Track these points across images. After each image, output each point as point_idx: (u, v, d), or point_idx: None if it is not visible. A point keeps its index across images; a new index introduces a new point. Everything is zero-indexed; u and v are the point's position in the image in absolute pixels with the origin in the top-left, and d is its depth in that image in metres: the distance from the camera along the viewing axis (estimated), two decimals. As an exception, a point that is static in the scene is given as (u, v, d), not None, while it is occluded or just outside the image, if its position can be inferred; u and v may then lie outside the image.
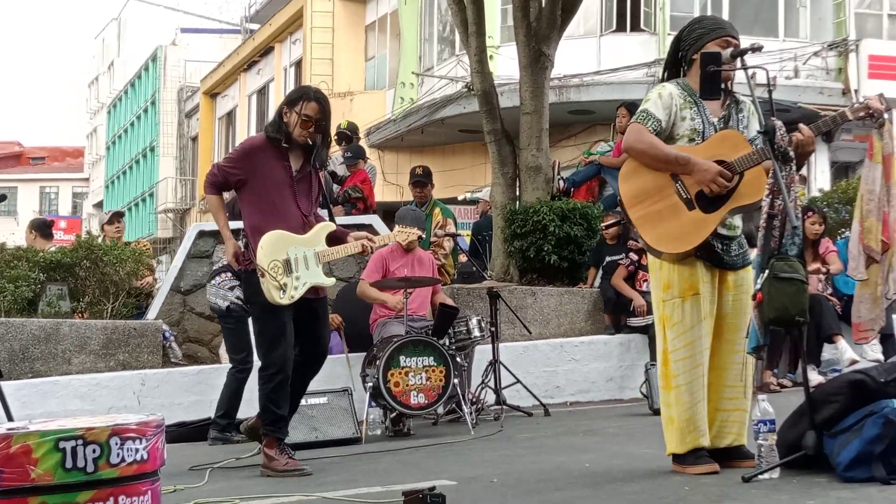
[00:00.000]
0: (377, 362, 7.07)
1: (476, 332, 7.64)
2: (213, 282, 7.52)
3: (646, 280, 8.73)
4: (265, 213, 5.67)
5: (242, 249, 5.71)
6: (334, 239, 5.86)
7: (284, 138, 5.70)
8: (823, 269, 9.13)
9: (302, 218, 5.75)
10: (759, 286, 4.46)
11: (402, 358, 7.06)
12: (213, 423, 7.42)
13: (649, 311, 8.31)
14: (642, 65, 18.83)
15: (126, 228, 10.62)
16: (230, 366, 7.50)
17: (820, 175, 19.56)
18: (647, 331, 8.65)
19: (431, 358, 7.10)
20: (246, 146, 5.84)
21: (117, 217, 10.46)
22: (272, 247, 5.59)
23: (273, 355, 5.62)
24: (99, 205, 54.29)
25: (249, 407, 7.55)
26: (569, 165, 14.04)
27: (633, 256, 9.06)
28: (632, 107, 10.20)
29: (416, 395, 7.06)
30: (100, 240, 9.39)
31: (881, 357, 8.49)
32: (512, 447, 6.26)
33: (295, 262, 5.62)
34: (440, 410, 7.50)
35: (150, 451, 3.44)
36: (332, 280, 5.97)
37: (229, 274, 7.35)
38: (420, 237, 6.77)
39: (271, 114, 30.48)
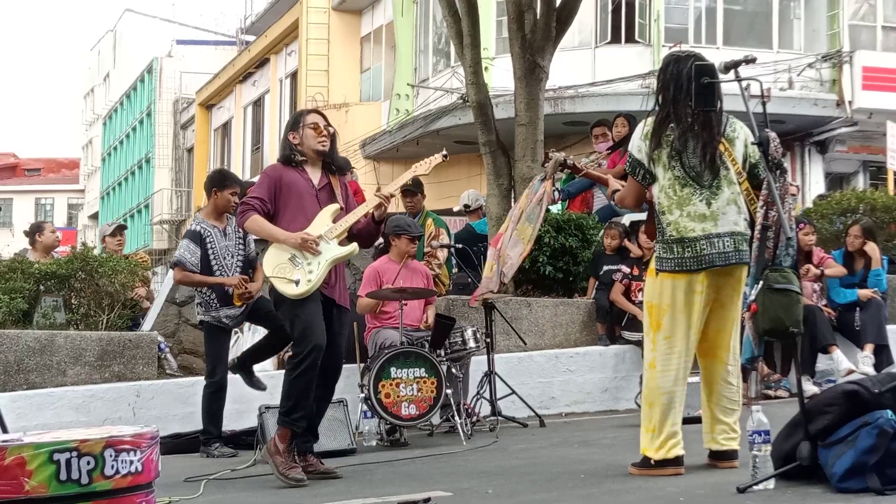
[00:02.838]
0: (369, 373, 7.08)
1: (471, 343, 7.64)
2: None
3: (641, 290, 8.72)
4: (289, 222, 5.76)
5: (302, 238, 5.68)
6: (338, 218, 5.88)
7: (299, 154, 5.88)
8: (817, 272, 9.13)
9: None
10: (753, 297, 4.49)
11: (392, 369, 7.06)
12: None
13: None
14: (637, 76, 18.89)
15: (125, 241, 10.69)
16: None
17: (814, 186, 19.63)
18: (642, 344, 8.62)
19: (423, 369, 7.10)
20: (267, 171, 6.03)
21: (120, 230, 10.52)
22: (273, 257, 5.72)
23: (301, 344, 5.61)
24: (94, 216, 54.25)
25: (238, 419, 7.61)
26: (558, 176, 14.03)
27: (626, 269, 9.06)
28: (629, 117, 10.19)
29: (408, 406, 7.05)
30: (96, 251, 9.38)
31: (871, 370, 8.48)
32: (507, 458, 6.26)
33: (300, 253, 5.67)
34: (434, 421, 7.50)
35: (145, 462, 3.44)
36: (353, 247, 5.81)
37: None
38: (445, 158, 6.33)
39: (267, 125, 30.44)
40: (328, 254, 5.72)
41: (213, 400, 7.39)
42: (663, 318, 4.96)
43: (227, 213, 7.52)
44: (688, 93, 4.86)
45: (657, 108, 5.00)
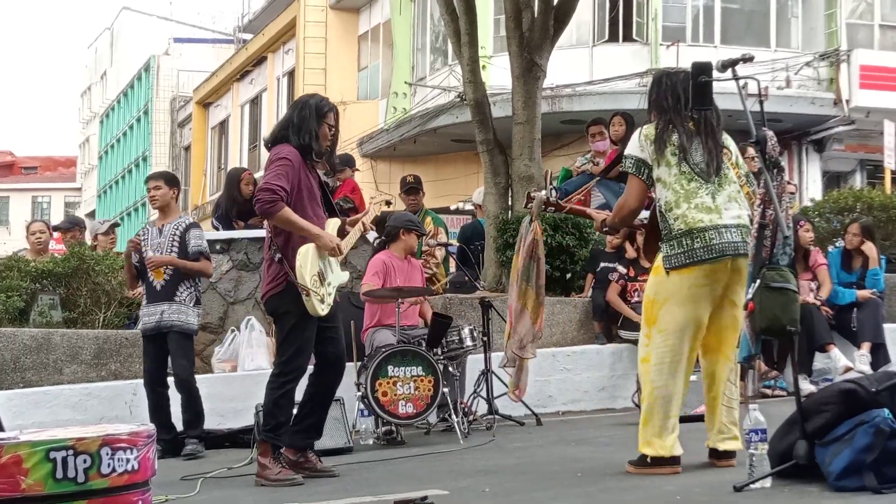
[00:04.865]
0: (366, 372, 7.08)
1: (468, 342, 7.63)
2: None
3: (636, 291, 8.73)
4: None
5: (337, 244, 5.65)
6: (342, 234, 5.86)
7: (318, 150, 5.74)
8: (814, 286, 9.13)
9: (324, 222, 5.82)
10: (750, 296, 4.49)
11: (390, 368, 7.06)
12: None
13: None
14: (634, 75, 18.88)
15: (118, 239, 10.73)
16: (219, 375, 7.54)
17: (811, 185, 19.63)
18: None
19: (420, 368, 7.10)
20: (292, 158, 5.60)
21: (113, 228, 10.56)
22: (310, 262, 5.52)
23: (293, 364, 5.59)
24: (91, 214, 54.21)
25: (235, 417, 7.58)
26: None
27: (622, 269, 9.04)
28: (627, 116, 10.17)
29: (405, 404, 7.05)
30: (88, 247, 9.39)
31: (868, 369, 8.48)
32: (504, 456, 6.26)
33: (325, 269, 5.64)
34: (431, 419, 7.49)
35: (141, 461, 3.44)
36: (347, 274, 5.94)
37: None
38: (388, 202, 6.52)
39: (264, 123, 30.25)
40: (338, 279, 5.78)
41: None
42: (660, 311, 4.94)
43: (168, 211, 7.46)
44: (686, 100, 4.95)
45: (654, 117, 5.09)
